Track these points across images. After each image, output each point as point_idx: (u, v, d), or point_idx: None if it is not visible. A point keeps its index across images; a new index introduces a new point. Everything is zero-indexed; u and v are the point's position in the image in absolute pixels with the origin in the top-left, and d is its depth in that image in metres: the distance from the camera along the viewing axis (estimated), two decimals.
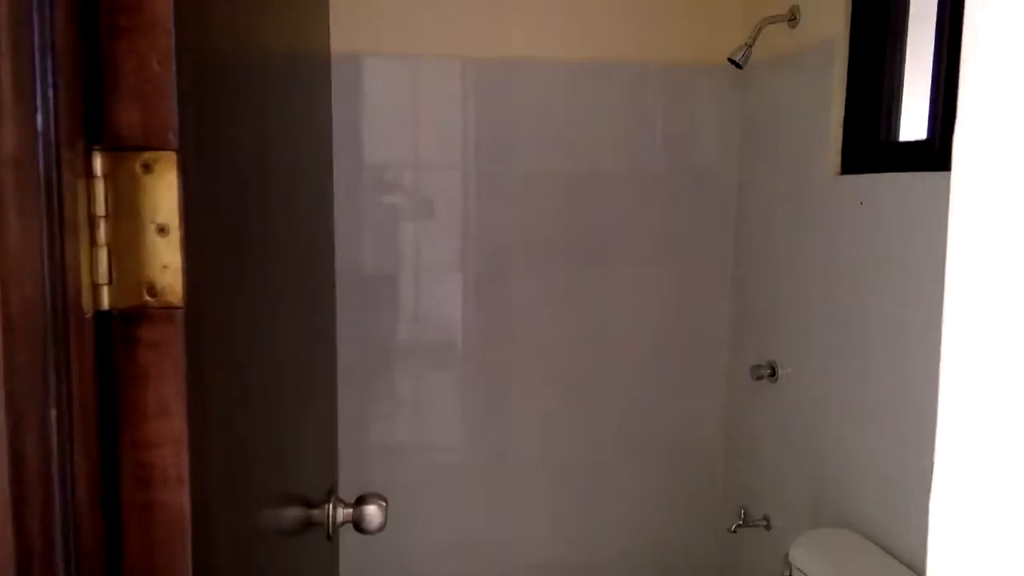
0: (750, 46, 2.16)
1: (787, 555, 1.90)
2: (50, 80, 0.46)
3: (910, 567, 1.68)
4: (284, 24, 0.90)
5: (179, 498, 0.53)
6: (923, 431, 1.65)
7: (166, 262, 0.52)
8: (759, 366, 2.31)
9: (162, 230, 0.52)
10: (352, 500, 1.12)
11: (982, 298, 0.53)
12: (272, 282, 0.84)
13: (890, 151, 1.92)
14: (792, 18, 2.16)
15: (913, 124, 1.87)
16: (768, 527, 2.35)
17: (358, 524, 1.10)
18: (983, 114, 0.52)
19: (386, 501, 1.11)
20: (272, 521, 0.84)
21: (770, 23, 2.18)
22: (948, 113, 1.69)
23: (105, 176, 0.51)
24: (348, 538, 1.20)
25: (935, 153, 1.73)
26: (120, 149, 0.51)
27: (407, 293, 2.50)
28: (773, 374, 2.29)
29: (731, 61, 2.18)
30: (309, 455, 1.06)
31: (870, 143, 1.97)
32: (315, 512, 1.08)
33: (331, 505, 1.11)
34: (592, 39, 2.44)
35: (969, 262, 0.54)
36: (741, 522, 2.37)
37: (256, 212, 0.76)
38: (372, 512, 1.10)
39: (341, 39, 2.28)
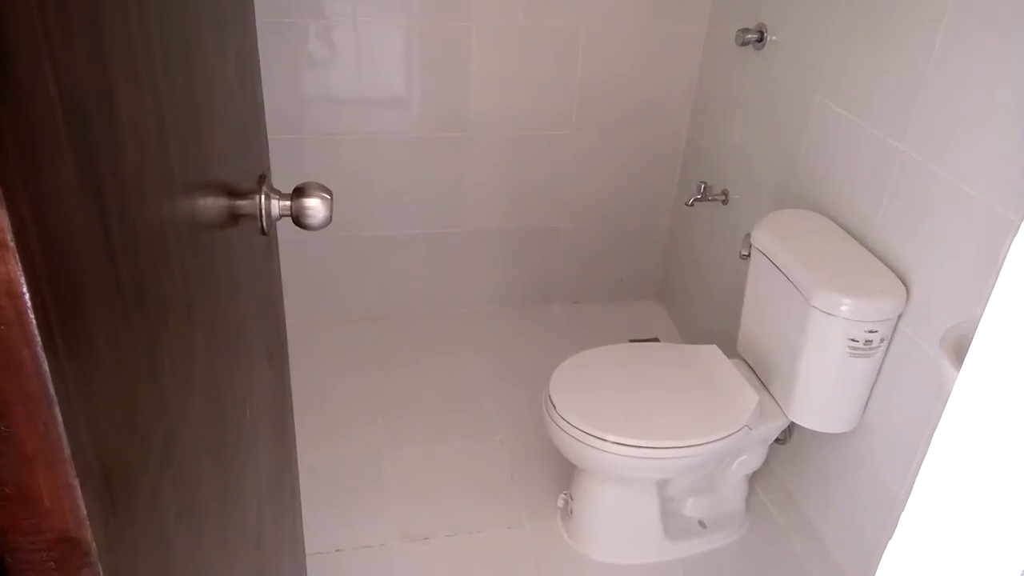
0: None
1: (748, 234, 1.83)
2: None
3: (879, 257, 1.63)
4: None
5: None
6: (919, 127, 1.48)
7: None
8: (746, 29, 2.04)
9: None
10: (289, 191, 0.92)
11: None
12: None
13: None
14: None
15: None
16: (725, 202, 2.27)
17: (298, 219, 0.91)
18: None
19: (330, 193, 0.91)
20: (183, 210, 0.64)
21: None
22: None
23: None
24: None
25: None
26: None
27: None
28: (760, 39, 2.03)
29: None
30: (225, 126, 0.82)
31: None
32: (244, 203, 0.88)
33: (263, 196, 0.90)
34: None
35: None
36: (699, 196, 2.29)
37: None
38: (314, 205, 0.90)
39: None
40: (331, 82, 2.23)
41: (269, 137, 1.16)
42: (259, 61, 1.03)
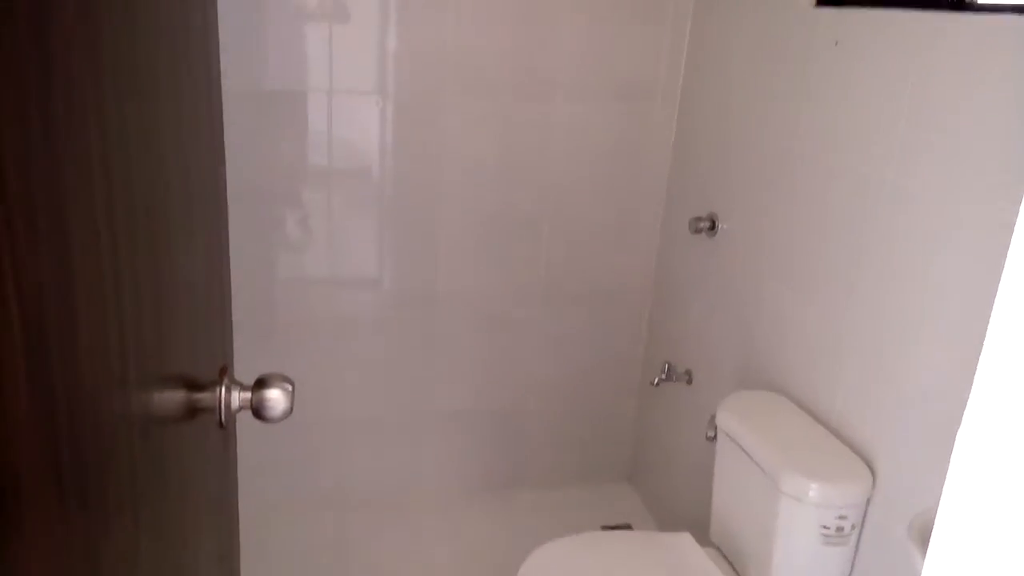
0: None
1: (713, 416, 1.84)
2: None
3: (843, 440, 1.63)
4: None
5: None
6: (871, 300, 1.55)
7: None
8: (699, 218, 2.16)
9: None
10: (251, 382, 0.91)
11: None
12: (103, 94, 0.57)
13: None
14: None
15: None
16: (690, 382, 2.30)
17: (258, 411, 0.90)
18: None
19: (292, 384, 0.91)
20: (137, 407, 0.62)
21: None
22: None
23: None
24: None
25: None
26: None
27: (318, 113, 2.18)
28: (712, 227, 2.14)
29: None
30: (188, 318, 0.83)
31: None
32: (203, 396, 0.87)
33: (223, 388, 0.89)
34: None
35: None
36: (663, 376, 2.32)
37: (76, 33, 0.48)
38: (274, 397, 0.90)
39: None
40: (304, 264, 2.29)
41: (237, 319, 1.17)
42: (228, 251, 1.06)
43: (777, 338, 1.88)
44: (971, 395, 0.42)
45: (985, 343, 0.41)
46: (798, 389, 1.79)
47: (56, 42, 0.45)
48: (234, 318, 1.15)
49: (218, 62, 1.06)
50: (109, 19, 0.55)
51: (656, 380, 2.31)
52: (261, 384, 0.90)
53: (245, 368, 1.11)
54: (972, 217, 1.32)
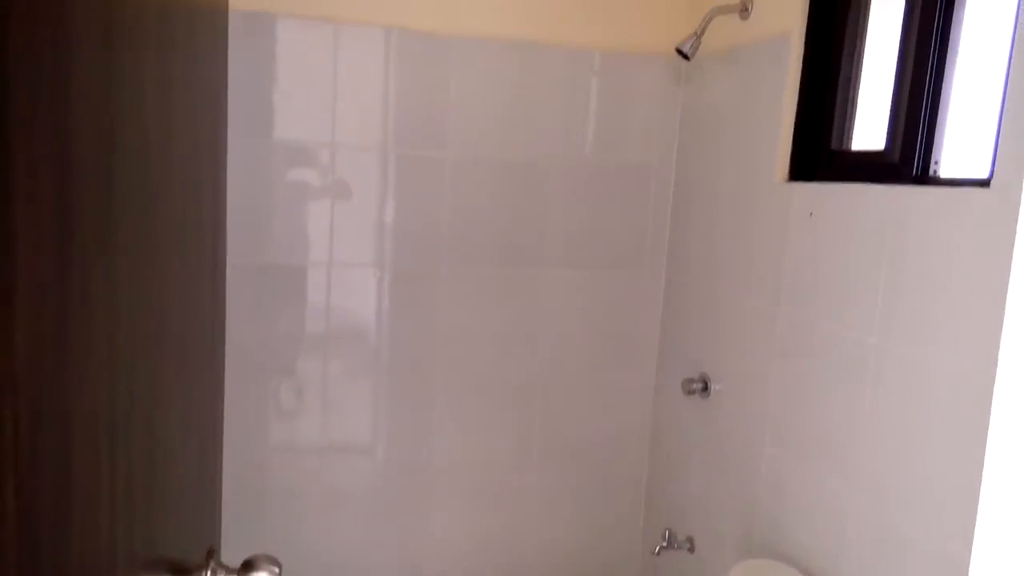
0: (699, 36, 2.01)
1: None
2: None
3: None
4: None
5: None
6: (867, 461, 1.54)
7: None
8: (691, 380, 2.18)
9: None
10: (238, 561, 0.90)
11: None
12: (116, 277, 0.60)
13: (844, 160, 1.81)
14: (744, 9, 2.02)
15: (869, 132, 1.76)
16: (692, 550, 2.22)
17: None
18: None
19: (279, 566, 0.89)
20: None
21: (721, 13, 2.03)
22: (911, 122, 1.58)
23: None
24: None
25: (893, 166, 1.61)
26: None
27: (317, 285, 2.24)
28: (705, 389, 2.16)
29: (679, 52, 2.02)
30: (178, 501, 0.82)
31: (822, 150, 1.86)
32: None
33: (209, 572, 0.87)
34: (530, 18, 2.24)
35: None
36: (665, 544, 2.25)
37: (92, 203, 0.52)
38: None
39: None
40: (297, 432, 2.28)
41: (228, 488, 1.15)
42: (222, 430, 1.06)
43: (778, 503, 1.84)
44: (971, 562, 0.42)
45: (979, 505, 0.42)
46: (803, 556, 1.74)
47: (70, 221, 0.48)
48: (225, 486, 1.14)
49: (224, 244, 1.12)
50: (125, 207, 0.59)
51: (657, 549, 2.24)
52: (248, 567, 0.88)
53: (235, 538, 1.08)
54: (953, 380, 1.34)
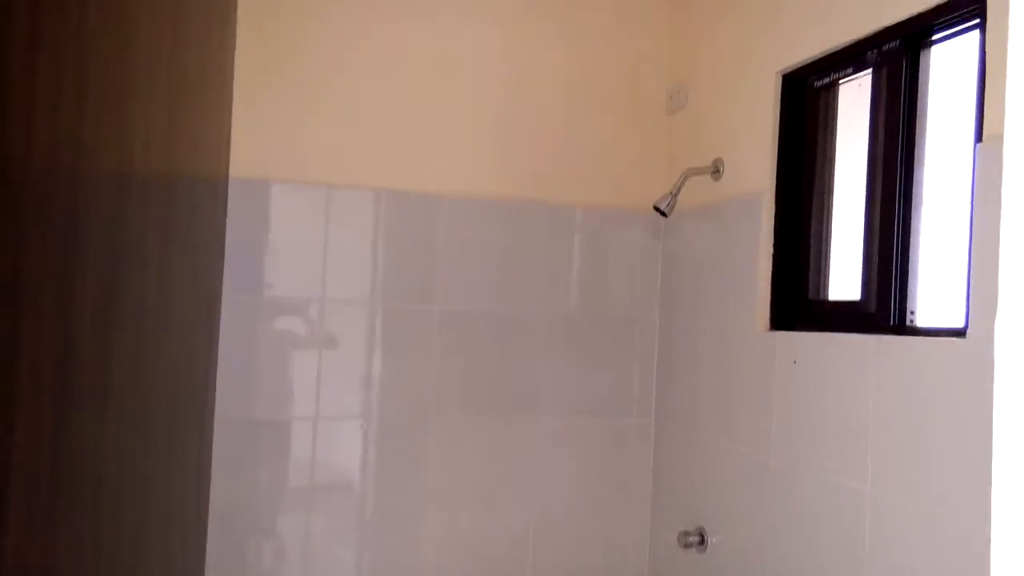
0: (675, 195, 2.11)
1: None
2: None
3: None
4: (150, 144, 0.71)
5: None
6: None
7: None
8: (687, 532, 2.12)
9: None
10: None
11: None
12: (109, 434, 0.60)
13: (822, 309, 1.86)
14: (716, 171, 2.14)
15: (845, 282, 1.82)
16: None
17: None
18: None
19: None
20: None
21: (694, 174, 2.15)
22: (883, 274, 1.63)
23: None
24: None
25: (871, 315, 1.66)
26: None
27: (302, 440, 2.21)
28: (702, 542, 2.09)
29: (656, 209, 2.12)
30: None
31: (800, 300, 1.91)
32: None
33: None
34: (515, 178, 2.35)
35: None
36: None
37: (91, 361, 0.53)
38: None
39: (248, 164, 2.10)
40: None
41: None
42: None
43: None
44: None
45: None
46: None
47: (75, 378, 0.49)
48: None
49: (213, 397, 1.12)
50: (122, 369, 0.60)
51: None
52: None
53: None
54: (950, 530, 1.32)
